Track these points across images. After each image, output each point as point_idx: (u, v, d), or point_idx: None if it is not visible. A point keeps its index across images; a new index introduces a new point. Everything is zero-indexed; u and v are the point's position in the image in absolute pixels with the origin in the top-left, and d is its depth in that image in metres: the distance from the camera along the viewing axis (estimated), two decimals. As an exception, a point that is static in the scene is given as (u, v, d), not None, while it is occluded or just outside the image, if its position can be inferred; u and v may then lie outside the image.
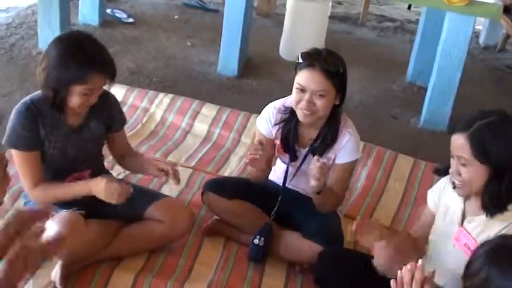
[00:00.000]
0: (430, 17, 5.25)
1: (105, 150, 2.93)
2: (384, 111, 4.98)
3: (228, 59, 5.10)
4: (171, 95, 4.29)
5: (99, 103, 2.61)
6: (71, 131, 2.65)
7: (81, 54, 2.44)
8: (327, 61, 2.65)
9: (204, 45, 5.73)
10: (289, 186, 2.97)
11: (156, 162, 2.80)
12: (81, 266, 2.66)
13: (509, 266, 1.68)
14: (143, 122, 4.05)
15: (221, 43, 5.05)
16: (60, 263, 2.56)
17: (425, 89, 4.87)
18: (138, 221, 2.77)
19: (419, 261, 1.83)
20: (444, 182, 2.39)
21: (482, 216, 2.18)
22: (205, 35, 5.94)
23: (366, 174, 3.73)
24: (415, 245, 2.37)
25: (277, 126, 2.87)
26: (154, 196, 2.83)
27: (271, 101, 2.96)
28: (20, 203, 2.94)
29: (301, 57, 2.70)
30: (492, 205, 2.14)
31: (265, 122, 2.90)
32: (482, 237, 2.12)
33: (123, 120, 2.89)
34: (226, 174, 3.60)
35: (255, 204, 2.96)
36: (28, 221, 1.92)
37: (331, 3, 6.10)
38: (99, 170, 2.86)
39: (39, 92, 2.59)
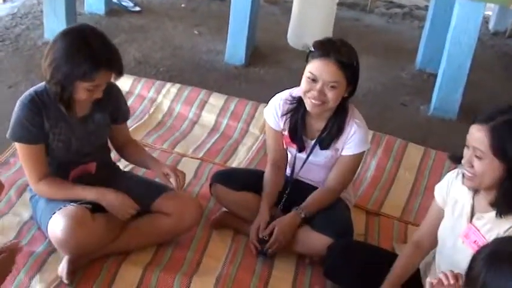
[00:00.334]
0: (439, 3, 5.19)
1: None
2: (393, 99, 4.93)
3: (235, 48, 5.05)
4: (178, 85, 4.25)
5: (104, 95, 2.57)
6: (76, 122, 2.62)
7: (88, 51, 2.39)
8: (340, 52, 2.61)
9: (211, 33, 5.68)
10: (297, 177, 2.94)
11: (163, 166, 2.76)
12: (88, 260, 2.64)
13: (506, 271, 1.64)
14: (150, 112, 4.02)
15: (228, 31, 5.00)
16: (67, 258, 2.55)
17: (435, 76, 4.82)
18: (146, 214, 2.74)
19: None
20: (452, 176, 2.36)
21: (492, 213, 2.14)
22: (212, 23, 5.89)
23: (376, 164, 3.69)
24: None
25: (285, 117, 2.84)
26: (161, 189, 2.79)
27: (280, 90, 2.93)
28: (25, 197, 2.92)
29: (315, 46, 2.65)
30: (505, 203, 2.09)
31: (273, 115, 2.88)
32: (491, 235, 2.10)
33: (127, 113, 2.88)
34: (234, 165, 3.57)
35: (264, 195, 2.93)
36: None
37: (339, -11, 6.03)
38: (105, 163, 2.84)
39: (43, 83, 2.56)
